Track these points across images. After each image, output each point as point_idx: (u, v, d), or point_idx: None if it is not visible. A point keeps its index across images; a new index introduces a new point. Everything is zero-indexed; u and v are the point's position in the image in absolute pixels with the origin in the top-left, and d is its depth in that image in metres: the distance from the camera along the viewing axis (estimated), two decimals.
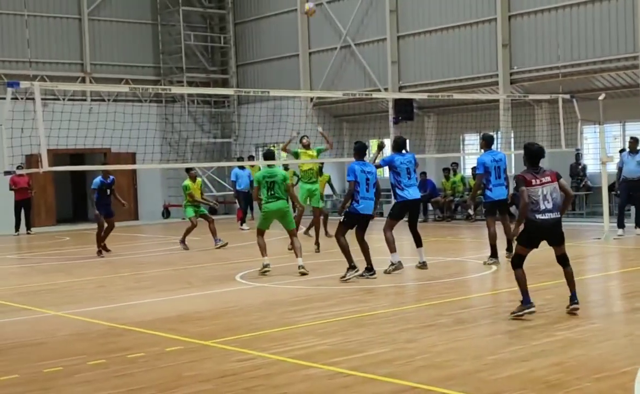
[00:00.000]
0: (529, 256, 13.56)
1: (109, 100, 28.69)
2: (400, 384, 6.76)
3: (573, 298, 9.17)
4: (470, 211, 24.35)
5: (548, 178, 8.86)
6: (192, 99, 31.32)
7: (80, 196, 31.72)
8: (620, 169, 18.72)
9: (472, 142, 27.17)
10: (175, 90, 24.78)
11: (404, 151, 13.49)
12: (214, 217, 19.78)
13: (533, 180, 8.83)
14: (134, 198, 30.10)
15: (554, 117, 20.66)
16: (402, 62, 26.90)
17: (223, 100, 32.46)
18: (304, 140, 17.32)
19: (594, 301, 10.96)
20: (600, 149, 18.29)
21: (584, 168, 23.73)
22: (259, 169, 28.01)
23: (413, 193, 13.07)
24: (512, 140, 24.46)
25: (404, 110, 25.85)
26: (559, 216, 8.89)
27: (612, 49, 21.93)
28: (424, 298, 10.45)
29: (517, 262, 9.11)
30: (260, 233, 14.22)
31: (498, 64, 24.08)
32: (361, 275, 12.49)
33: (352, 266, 12.50)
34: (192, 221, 19.23)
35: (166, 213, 30.50)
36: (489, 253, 13.60)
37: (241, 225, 24.30)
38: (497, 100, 23.51)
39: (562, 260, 9.21)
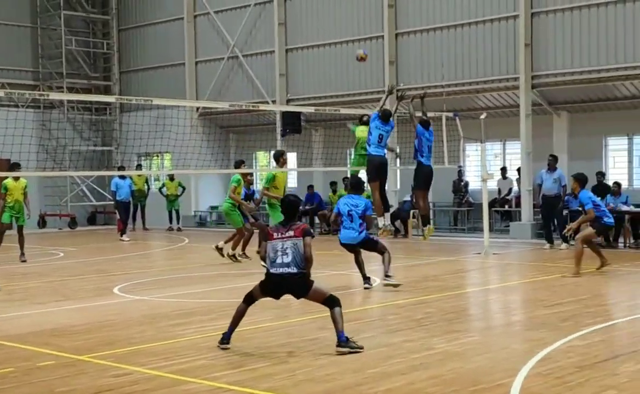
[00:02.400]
0: (413, 270, 13.70)
1: None
2: None
3: (339, 338, 8.36)
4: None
5: (292, 233, 8.53)
6: (72, 105, 30.45)
7: None
8: (539, 186, 19.36)
9: None
10: (54, 95, 24.00)
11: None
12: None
13: (275, 234, 8.60)
14: None
15: (438, 134, 20.97)
16: (291, 75, 26.93)
17: (105, 108, 31.68)
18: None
19: (473, 314, 11.18)
20: (481, 166, 18.76)
21: (466, 184, 24.31)
22: (146, 179, 27.66)
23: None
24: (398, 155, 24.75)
25: (292, 123, 25.86)
26: (296, 271, 8.40)
27: (493, 70, 22.57)
28: (308, 312, 10.38)
29: (246, 298, 8.73)
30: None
31: (385, 81, 24.37)
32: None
33: (365, 278, 12.98)
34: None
35: (42, 223, 29.47)
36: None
37: (121, 236, 23.75)
38: None
39: (326, 304, 8.56)
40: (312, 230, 8.75)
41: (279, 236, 8.54)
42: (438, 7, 23.47)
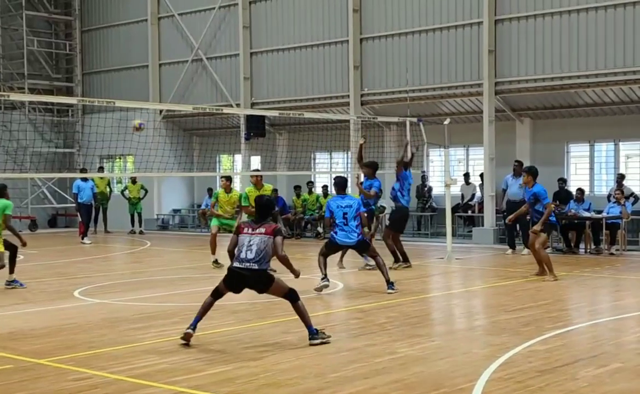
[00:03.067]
0: (376, 274, 13.71)
1: None
2: None
3: (310, 332, 8.74)
4: (320, 229, 24.53)
5: (262, 230, 8.70)
6: (33, 107, 30.07)
7: None
8: (504, 191, 19.42)
9: (322, 160, 27.46)
10: (15, 96, 23.65)
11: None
12: None
13: (246, 229, 8.78)
14: None
15: (402, 139, 21.16)
16: (255, 79, 26.86)
17: (67, 109, 31.32)
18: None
19: (435, 319, 11.21)
20: (444, 172, 18.85)
21: (430, 189, 24.41)
22: (108, 182, 27.41)
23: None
24: None
25: (256, 126, 25.80)
26: (257, 267, 8.59)
27: (457, 75, 22.70)
28: (271, 316, 10.34)
29: (213, 292, 8.87)
30: None
31: (349, 85, 24.44)
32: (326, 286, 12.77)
33: (323, 277, 12.82)
34: None
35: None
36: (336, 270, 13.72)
37: (82, 238, 23.50)
38: (348, 121, 23.85)
39: (287, 298, 8.82)
40: (283, 231, 8.97)
41: (249, 231, 8.73)
42: (403, 13, 23.57)
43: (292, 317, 9.15)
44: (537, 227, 14.23)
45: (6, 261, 13.49)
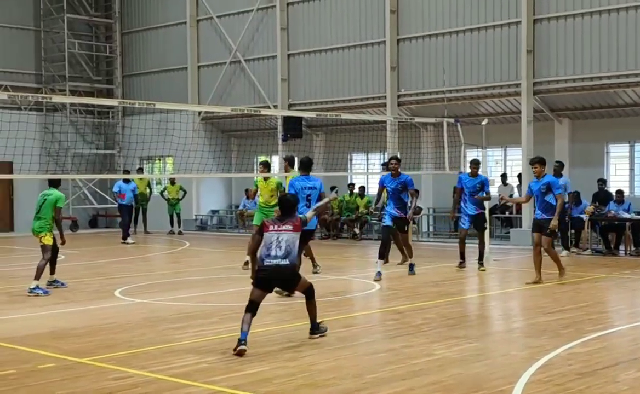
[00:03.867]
0: (413, 276, 13.64)
1: None
2: None
3: (313, 327, 9.17)
4: (356, 230, 24.53)
5: (289, 227, 8.84)
6: (74, 109, 30.47)
7: None
8: None
9: (359, 161, 27.45)
10: (57, 98, 24.00)
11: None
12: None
13: (271, 227, 8.85)
14: (9, 209, 29.02)
15: (439, 139, 21.07)
16: (292, 80, 26.95)
17: (107, 111, 31.71)
18: None
19: (472, 320, 11.16)
20: (482, 173, 18.71)
21: None
22: (148, 183, 27.62)
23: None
24: None
25: (293, 127, 25.87)
26: (288, 263, 8.73)
27: (495, 76, 22.57)
28: (307, 316, 10.36)
29: (248, 306, 8.69)
30: None
31: (386, 86, 24.40)
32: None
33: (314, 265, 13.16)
34: None
35: None
36: (372, 271, 13.69)
37: (124, 239, 23.74)
38: (385, 122, 23.82)
39: (306, 293, 9.13)
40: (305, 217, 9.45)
41: (275, 228, 8.86)
42: (440, 13, 23.49)
43: (329, 318, 9.20)
44: (554, 223, 13.67)
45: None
